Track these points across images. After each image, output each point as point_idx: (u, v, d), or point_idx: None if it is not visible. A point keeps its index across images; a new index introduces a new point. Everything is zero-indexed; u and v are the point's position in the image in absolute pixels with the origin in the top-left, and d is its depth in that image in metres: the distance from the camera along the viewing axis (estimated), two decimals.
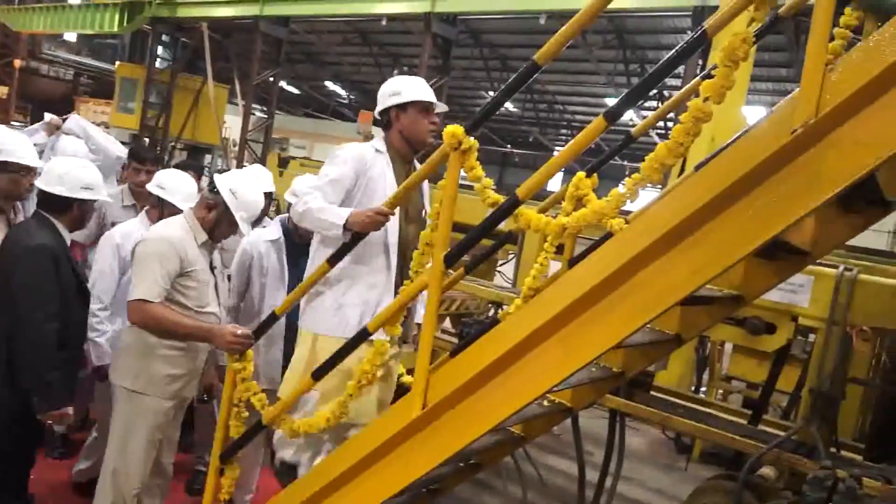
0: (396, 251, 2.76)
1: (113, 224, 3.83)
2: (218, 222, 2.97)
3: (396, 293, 2.64)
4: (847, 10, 2.32)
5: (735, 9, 1.71)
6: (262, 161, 16.81)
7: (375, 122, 3.00)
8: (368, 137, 12.98)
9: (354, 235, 2.57)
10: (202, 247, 2.98)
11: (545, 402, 2.87)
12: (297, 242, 3.55)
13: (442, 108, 2.91)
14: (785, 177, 1.61)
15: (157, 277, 2.80)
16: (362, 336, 2.46)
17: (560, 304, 1.91)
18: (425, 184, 2.97)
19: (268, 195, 4.04)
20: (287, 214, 3.66)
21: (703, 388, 6.64)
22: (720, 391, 6.47)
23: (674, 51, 1.78)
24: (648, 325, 2.57)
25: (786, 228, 1.69)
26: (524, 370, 2.01)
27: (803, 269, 3.08)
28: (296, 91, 32.06)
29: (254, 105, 19.13)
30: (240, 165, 17.39)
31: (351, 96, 32.40)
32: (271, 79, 17.81)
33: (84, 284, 3.17)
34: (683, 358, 6.09)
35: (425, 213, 2.87)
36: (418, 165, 2.90)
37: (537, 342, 1.97)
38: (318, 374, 2.55)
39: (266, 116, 18.45)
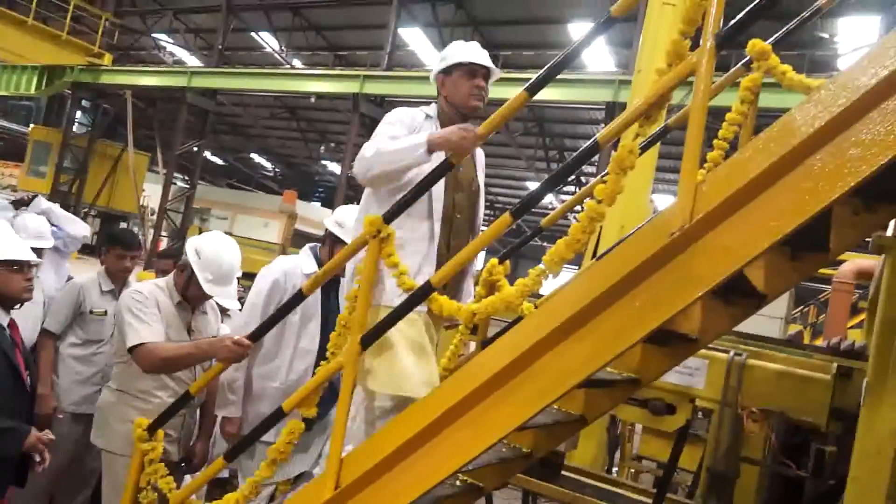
0: (441, 218, 2.57)
1: (92, 311, 3.72)
2: (188, 284, 3.02)
3: (439, 263, 2.49)
4: (724, 124, 2.64)
5: (621, 126, 1.95)
6: (182, 232, 16.48)
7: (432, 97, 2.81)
8: (292, 217, 12.80)
9: (408, 200, 2.31)
10: (178, 307, 3.04)
11: (457, 482, 2.91)
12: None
13: (496, 73, 2.72)
14: (665, 274, 1.81)
15: (146, 322, 2.86)
16: (278, 415, 2.48)
17: (469, 387, 2.02)
18: (480, 152, 2.81)
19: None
20: (316, 244, 3.36)
21: (616, 468, 6.79)
22: (631, 470, 6.64)
23: (571, 158, 2.00)
24: (554, 407, 2.71)
25: (668, 319, 1.89)
26: (436, 450, 2.09)
27: (696, 354, 3.33)
28: (220, 161, 31.84)
29: (175, 174, 18.88)
30: (157, 234, 16.98)
31: (276, 169, 32.44)
32: (195, 149, 17.71)
33: (16, 367, 3.00)
34: (597, 439, 6.25)
35: (477, 184, 2.75)
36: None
37: (448, 423, 2.06)
38: (233, 454, 2.53)
39: (188, 186, 18.21)
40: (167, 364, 2.84)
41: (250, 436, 2.58)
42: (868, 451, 2.48)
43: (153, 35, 21.06)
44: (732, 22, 1.88)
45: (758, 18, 1.97)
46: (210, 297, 3.04)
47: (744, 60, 2.63)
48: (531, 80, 2.15)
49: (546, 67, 2.14)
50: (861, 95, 1.62)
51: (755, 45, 2.53)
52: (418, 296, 2.14)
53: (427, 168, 2.41)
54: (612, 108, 12.90)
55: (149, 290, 3.00)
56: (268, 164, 32.06)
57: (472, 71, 2.64)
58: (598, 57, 16.49)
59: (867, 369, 2.58)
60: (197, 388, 2.73)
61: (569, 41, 16.75)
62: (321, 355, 2.69)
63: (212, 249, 3.00)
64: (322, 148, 25.33)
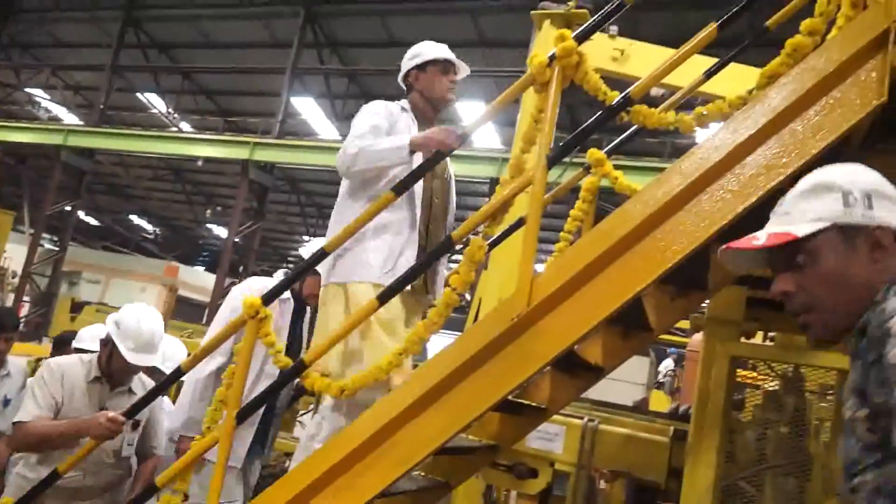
0: (421, 203, 2.78)
1: None
2: (110, 358, 2.98)
3: (421, 246, 2.72)
4: (568, 219, 3.05)
5: (470, 226, 2.27)
6: (47, 298, 15.46)
7: (400, 92, 3.03)
8: (173, 289, 12.56)
9: (398, 189, 2.45)
10: (92, 383, 2.98)
11: None
12: (298, 302, 3.36)
13: (464, 71, 2.96)
14: (508, 353, 2.10)
15: (37, 400, 2.82)
16: (151, 491, 2.52)
17: (338, 455, 2.20)
18: None
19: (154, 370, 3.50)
20: (286, 269, 3.47)
21: None
22: None
23: (424, 258, 2.28)
24: (420, 473, 2.91)
25: (519, 391, 2.18)
26: None
27: (555, 421, 3.66)
28: (95, 222, 30.23)
29: (44, 234, 17.80)
30: (18, 300, 15.81)
31: (157, 231, 31.18)
32: (68, 208, 16.85)
33: None
34: None
35: (449, 173, 2.99)
36: None
37: (316, 491, 2.22)
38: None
39: (57, 248, 17.20)
40: (38, 443, 2.81)
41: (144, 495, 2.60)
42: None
43: (27, 90, 20.12)
44: (563, 143, 2.27)
45: (589, 136, 2.39)
46: (135, 369, 3.02)
47: (584, 166, 3.08)
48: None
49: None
50: (656, 209, 2.02)
51: (593, 153, 2.98)
52: (291, 373, 2.32)
53: (412, 127, 2.73)
54: (495, 183, 13.60)
55: (61, 363, 2.98)
56: (148, 227, 30.77)
57: (446, 68, 2.91)
58: (486, 135, 17.47)
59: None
60: (65, 468, 2.71)
61: (459, 119, 17.66)
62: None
63: (132, 319, 3.00)
64: (208, 211, 24.75)
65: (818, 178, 1.25)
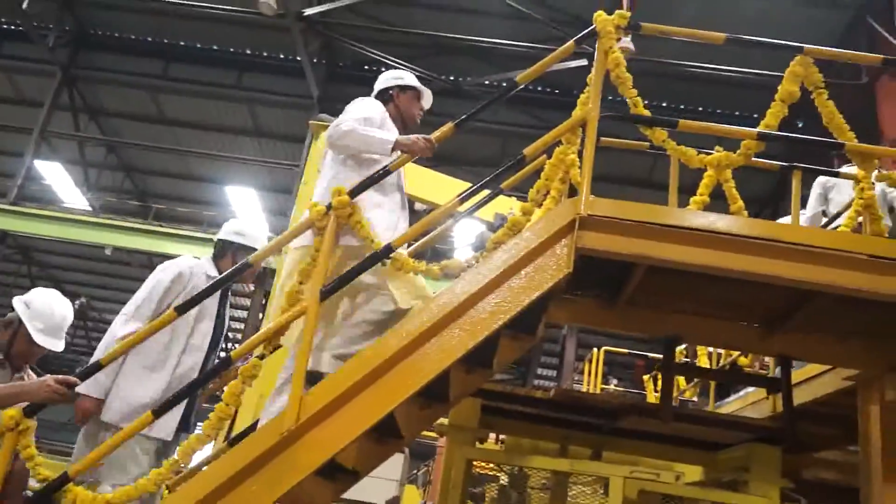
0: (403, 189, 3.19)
1: None
2: (14, 339, 2.81)
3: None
4: None
5: (251, 345, 2.53)
6: None
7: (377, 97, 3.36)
8: None
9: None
10: None
11: None
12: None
13: (428, 102, 3.42)
14: (278, 463, 2.36)
15: None
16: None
17: None
18: None
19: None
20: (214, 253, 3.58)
21: None
22: None
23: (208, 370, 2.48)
24: None
25: (283, 497, 2.41)
26: None
27: None
28: None
29: None
30: None
31: None
32: None
33: None
34: None
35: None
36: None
37: None
38: None
39: None
40: None
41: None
42: None
43: None
44: (337, 280, 2.66)
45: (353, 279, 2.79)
46: (39, 351, 2.89)
47: None
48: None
49: None
50: (408, 342, 2.47)
51: None
52: (55, 486, 2.31)
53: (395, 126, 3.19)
54: (264, 274, 13.57)
55: None
56: None
57: (419, 96, 3.40)
58: (256, 223, 17.36)
59: None
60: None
61: (226, 201, 17.37)
62: (209, 354, 3.26)
63: (43, 300, 2.94)
64: None
65: None
